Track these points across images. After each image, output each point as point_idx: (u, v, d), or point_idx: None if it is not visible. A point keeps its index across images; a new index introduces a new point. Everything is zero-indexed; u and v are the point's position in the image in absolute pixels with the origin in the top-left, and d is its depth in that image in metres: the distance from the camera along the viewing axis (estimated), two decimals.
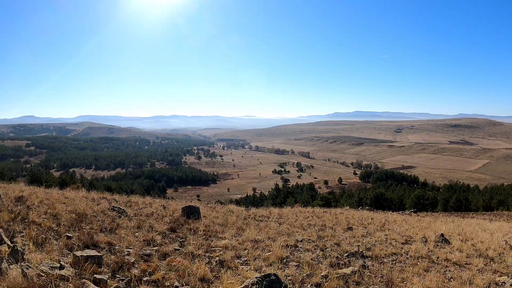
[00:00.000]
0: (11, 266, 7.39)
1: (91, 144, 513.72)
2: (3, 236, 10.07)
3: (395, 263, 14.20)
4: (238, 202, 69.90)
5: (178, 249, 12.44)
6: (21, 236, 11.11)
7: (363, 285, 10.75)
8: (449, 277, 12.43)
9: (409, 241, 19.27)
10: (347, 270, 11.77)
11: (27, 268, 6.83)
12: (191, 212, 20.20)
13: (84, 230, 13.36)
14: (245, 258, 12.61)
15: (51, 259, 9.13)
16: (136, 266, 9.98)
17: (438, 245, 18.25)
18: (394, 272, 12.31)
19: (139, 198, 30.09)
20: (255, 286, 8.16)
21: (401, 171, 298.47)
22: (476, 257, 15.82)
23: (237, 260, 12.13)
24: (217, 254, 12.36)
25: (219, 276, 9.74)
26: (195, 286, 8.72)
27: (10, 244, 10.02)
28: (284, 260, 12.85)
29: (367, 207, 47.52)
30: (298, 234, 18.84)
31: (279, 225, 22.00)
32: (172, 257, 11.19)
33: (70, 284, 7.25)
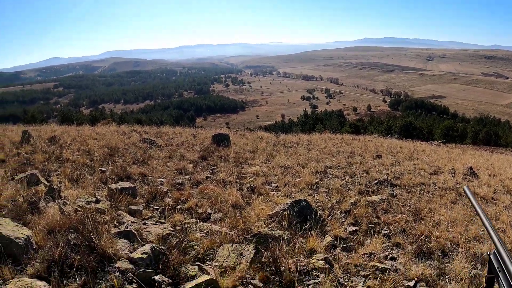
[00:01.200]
0: (48, 204, 7.58)
1: (118, 79, 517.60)
2: (39, 176, 10.36)
3: (423, 193, 14.06)
4: (267, 129, 70.14)
5: (210, 177, 12.60)
6: (56, 175, 11.43)
7: (391, 213, 10.72)
8: None
9: (438, 172, 19.03)
10: (375, 198, 11.74)
11: (64, 205, 7.00)
12: (221, 140, 20.35)
13: (117, 163, 13.65)
14: (276, 184, 12.71)
15: (86, 194, 9.39)
16: (169, 195, 10.19)
17: (466, 178, 17.92)
18: (421, 202, 12.20)
19: (169, 128, 30.50)
20: (286, 212, 8.18)
21: (431, 100, 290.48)
22: (504, 193, 15.40)
23: (268, 186, 12.24)
24: (248, 180, 12.47)
25: (250, 202, 9.86)
26: (227, 212, 8.83)
27: (46, 183, 10.33)
28: (314, 186, 12.89)
29: (396, 136, 46.89)
30: (328, 161, 18.83)
31: (308, 151, 22.01)
32: (204, 184, 11.35)
33: (107, 216, 7.43)
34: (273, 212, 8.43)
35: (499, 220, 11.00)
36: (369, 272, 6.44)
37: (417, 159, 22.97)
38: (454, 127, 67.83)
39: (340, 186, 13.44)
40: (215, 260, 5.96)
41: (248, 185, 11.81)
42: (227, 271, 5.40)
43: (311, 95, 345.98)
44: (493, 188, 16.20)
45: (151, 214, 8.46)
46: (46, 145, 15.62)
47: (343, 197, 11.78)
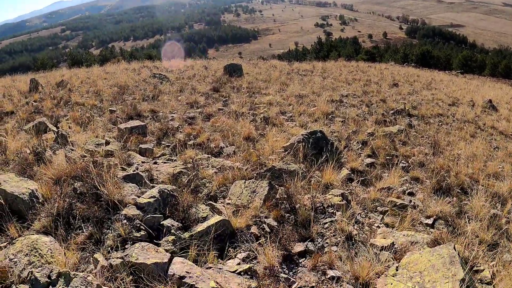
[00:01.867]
0: (56, 152, 7.24)
1: (126, 17, 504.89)
2: (48, 123, 10.03)
3: (441, 124, 13.36)
4: (280, 57, 68.12)
5: (222, 109, 12.11)
6: (66, 120, 11.11)
7: (408, 145, 10.14)
8: (495, 146, 11.52)
9: (456, 103, 18.00)
10: (393, 129, 11.11)
11: (70, 151, 6.66)
12: (233, 70, 19.64)
13: (126, 101, 13.24)
14: (290, 114, 12.16)
15: (96, 137, 9.07)
16: (180, 130, 9.81)
17: (485, 111, 16.88)
18: (440, 134, 11.54)
19: (180, 61, 29.70)
20: (301, 144, 7.73)
21: (449, 29, 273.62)
22: None
23: (282, 117, 11.70)
24: (261, 111, 11.95)
25: (264, 134, 9.41)
26: (240, 146, 8.43)
27: (55, 129, 10.04)
28: (330, 116, 12.29)
29: (412, 64, 44.87)
30: (343, 89, 18.00)
31: (323, 79, 21.13)
32: (216, 117, 10.91)
33: (114, 159, 7.13)
34: (288, 144, 8.00)
35: None
36: (387, 209, 6.07)
37: (435, 89, 21.90)
38: (473, 57, 64.63)
39: (356, 115, 12.87)
40: (227, 198, 5.64)
41: (262, 115, 11.32)
42: (240, 210, 5.07)
43: (325, 22, 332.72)
44: None
45: (162, 152, 8.12)
46: (54, 91, 15.22)
47: (360, 127, 11.26)
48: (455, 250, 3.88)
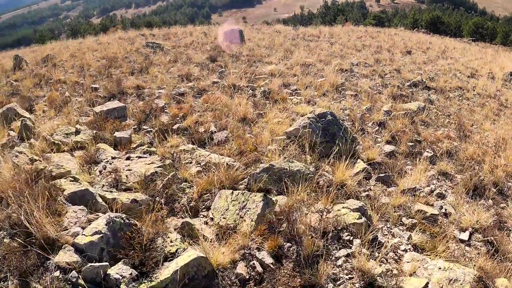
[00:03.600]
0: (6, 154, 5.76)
1: None
2: (18, 109, 8.54)
3: (462, 99, 11.64)
4: (285, 22, 65.16)
5: (217, 82, 10.50)
6: (43, 102, 9.66)
7: (431, 127, 8.56)
8: None
9: (475, 75, 15.93)
10: (412, 106, 9.46)
11: (16, 156, 5.20)
12: (233, 37, 17.87)
13: (113, 76, 11.70)
14: (295, 87, 10.50)
15: (68, 123, 7.63)
16: (166, 110, 8.30)
17: (506, 85, 14.79)
18: (462, 112, 9.94)
19: (180, 28, 27.70)
20: (307, 129, 6.23)
21: None
22: None
23: (286, 90, 10.08)
24: (262, 83, 10.33)
25: (263, 113, 7.91)
26: (234, 130, 6.93)
27: (27, 116, 8.60)
28: (339, 88, 10.61)
29: (422, 30, 42.19)
30: (353, 57, 16.06)
31: (330, 45, 19.12)
32: (209, 93, 9.36)
33: (77, 160, 5.73)
34: (291, 129, 6.47)
35: None
36: (414, 221, 4.66)
37: (450, 58, 19.67)
38: (484, 25, 61.23)
39: (369, 88, 11.20)
40: (210, 212, 4.23)
41: (262, 89, 9.73)
42: (225, 234, 3.67)
43: None
44: None
45: (140, 141, 6.64)
46: (39, 67, 13.64)
47: (374, 103, 9.63)
48: None
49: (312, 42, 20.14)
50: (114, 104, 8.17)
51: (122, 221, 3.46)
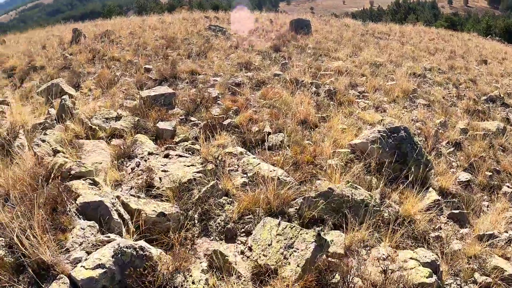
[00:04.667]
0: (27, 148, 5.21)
1: None
2: (63, 85, 8.17)
3: None
4: (354, 16, 63.01)
5: (279, 75, 9.62)
6: (91, 79, 9.28)
7: (510, 153, 7.30)
8: None
9: None
10: (490, 125, 8.18)
11: (38, 145, 4.62)
12: (301, 26, 16.80)
13: (168, 58, 11.16)
14: (362, 89, 9.45)
15: (110, 107, 7.11)
16: (219, 102, 7.57)
17: None
18: None
19: (247, 13, 27.10)
20: (376, 145, 5.28)
21: None
22: None
23: (352, 91, 9.06)
24: (327, 81, 9.35)
25: (326, 117, 6.99)
26: (292, 134, 6.06)
27: (72, 93, 8.21)
28: (411, 95, 9.43)
29: (496, 38, 38.92)
30: (425, 60, 14.54)
31: (401, 45, 17.62)
32: (269, 86, 8.52)
33: (117, 144, 5.12)
34: (358, 142, 5.54)
35: None
36: (489, 280, 3.68)
37: None
38: None
39: (443, 98, 9.96)
40: (249, 240, 3.42)
41: (327, 87, 8.76)
42: (262, 275, 2.86)
43: None
44: None
45: (184, 135, 5.95)
46: (96, 42, 13.41)
47: (449, 117, 8.44)
48: None
49: (382, 40, 18.74)
50: (163, 89, 7.55)
51: (134, 252, 2.74)
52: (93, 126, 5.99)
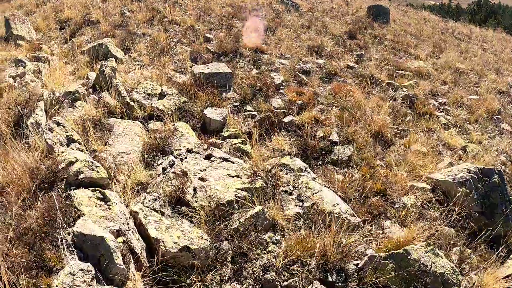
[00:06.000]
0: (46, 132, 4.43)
1: None
2: (111, 47, 7.45)
3: None
4: (431, 9, 58.99)
5: (353, 68, 8.42)
6: (145, 42, 8.52)
7: None
8: None
9: None
10: None
11: (51, 130, 3.80)
12: (378, 14, 15.27)
13: (232, 29, 10.20)
14: (444, 100, 8.09)
15: (158, 78, 6.28)
16: (281, 91, 6.54)
17: None
18: None
19: None
20: (463, 188, 4.21)
21: None
22: None
23: (433, 101, 7.77)
24: (406, 83, 8.05)
25: (403, 131, 5.82)
26: (363, 148, 4.99)
27: (120, 56, 7.45)
28: (495, 117, 7.97)
29: None
30: (508, 74, 12.75)
31: (483, 52, 15.70)
32: (340, 81, 7.38)
33: (154, 129, 4.29)
34: (441, 179, 4.45)
35: None
36: None
37: None
38: None
39: None
40: None
41: (405, 92, 7.50)
42: None
43: None
44: None
45: (234, 130, 5.01)
46: (159, 1, 12.63)
47: None
48: None
49: (462, 42, 16.83)
50: (220, 67, 6.61)
51: None
52: (131, 103, 5.17)
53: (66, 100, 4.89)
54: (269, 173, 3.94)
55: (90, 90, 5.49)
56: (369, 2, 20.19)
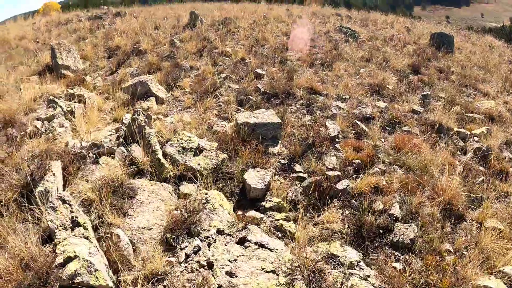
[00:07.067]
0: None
1: None
2: (151, 85, 7.00)
3: None
4: (492, 32, 56.09)
5: (418, 113, 7.50)
6: (192, 77, 8.09)
7: None
8: None
9: None
10: None
11: (54, 209, 3.24)
12: (442, 42, 14.17)
13: (287, 63, 9.59)
14: None
15: (197, 127, 5.71)
16: (337, 145, 5.75)
17: None
18: None
19: (380, 15, 24.46)
20: None
21: None
22: None
23: (507, 154, 6.57)
24: (478, 132, 6.99)
25: (476, 200, 4.87)
26: (427, 227, 4.12)
27: (161, 96, 7.00)
28: None
29: None
30: None
31: None
32: (405, 131, 6.51)
33: (182, 198, 3.68)
34: None
35: None
36: None
37: None
38: None
39: None
40: None
41: (476, 144, 6.48)
42: None
43: None
44: None
45: (277, 201, 4.30)
46: (211, 30, 12.29)
47: None
48: None
49: None
50: (268, 116, 5.93)
51: None
52: (162, 160, 4.59)
53: (90, 155, 4.40)
54: (313, 271, 3.19)
55: (121, 139, 4.98)
56: (429, 27, 19.04)
